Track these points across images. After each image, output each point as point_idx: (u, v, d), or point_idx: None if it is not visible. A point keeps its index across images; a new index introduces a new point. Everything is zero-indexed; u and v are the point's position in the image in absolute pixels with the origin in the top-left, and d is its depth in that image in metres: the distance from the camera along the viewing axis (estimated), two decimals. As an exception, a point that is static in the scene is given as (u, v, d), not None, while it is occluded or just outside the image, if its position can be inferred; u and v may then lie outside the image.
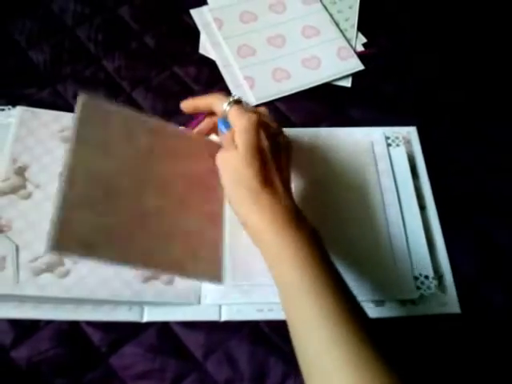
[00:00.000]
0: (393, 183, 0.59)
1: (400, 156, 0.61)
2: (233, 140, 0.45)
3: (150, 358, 0.50)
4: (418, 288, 0.53)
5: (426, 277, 0.54)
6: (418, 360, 0.52)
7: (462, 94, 0.70)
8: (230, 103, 0.47)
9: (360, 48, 0.73)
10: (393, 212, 0.57)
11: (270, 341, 0.52)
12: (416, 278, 0.53)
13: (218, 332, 0.52)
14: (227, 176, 0.45)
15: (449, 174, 0.62)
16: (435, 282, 0.53)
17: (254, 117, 0.45)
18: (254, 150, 0.43)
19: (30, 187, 0.53)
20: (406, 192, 0.59)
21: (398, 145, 0.62)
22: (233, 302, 0.52)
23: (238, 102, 0.47)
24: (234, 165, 0.44)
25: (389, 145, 0.62)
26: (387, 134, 0.62)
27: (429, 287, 0.53)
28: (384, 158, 0.60)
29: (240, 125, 0.45)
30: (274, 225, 0.42)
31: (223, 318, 0.52)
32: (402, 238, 0.55)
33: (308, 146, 0.60)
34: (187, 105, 0.50)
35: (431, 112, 0.67)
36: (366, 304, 0.53)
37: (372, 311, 0.52)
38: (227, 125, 0.47)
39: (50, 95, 0.64)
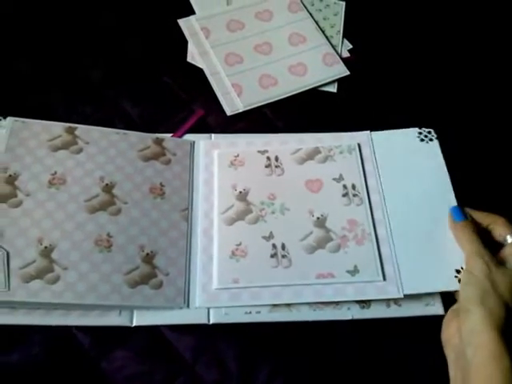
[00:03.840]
0: (379, 183, 0.59)
1: (433, 150, 0.61)
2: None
3: (139, 361, 0.51)
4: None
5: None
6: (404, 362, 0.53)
7: (449, 98, 0.71)
8: None
9: (346, 54, 0.74)
10: (379, 212, 0.57)
11: (257, 343, 0.53)
12: (458, 272, 0.52)
13: (207, 335, 0.53)
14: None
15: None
16: None
17: None
18: None
19: (20, 195, 0.54)
20: (438, 187, 0.58)
21: (431, 139, 0.62)
22: (221, 305, 0.53)
23: None
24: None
25: (421, 140, 0.62)
26: (419, 130, 0.62)
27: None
28: (370, 159, 0.61)
29: None
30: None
31: (212, 321, 0.53)
32: (388, 237, 0.56)
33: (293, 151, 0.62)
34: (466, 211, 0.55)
35: (417, 117, 0.68)
36: (353, 306, 0.54)
37: (357, 313, 0.54)
38: (461, 214, 0.53)
39: (38, 104, 0.65)
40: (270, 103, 0.68)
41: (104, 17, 0.74)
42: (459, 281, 0.51)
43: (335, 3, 0.79)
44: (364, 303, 0.54)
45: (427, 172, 0.60)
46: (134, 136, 0.61)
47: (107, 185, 0.57)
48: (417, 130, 0.63)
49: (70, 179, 0.56)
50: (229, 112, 0.67)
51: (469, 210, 0.55)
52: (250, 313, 0.53)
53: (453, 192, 0.57)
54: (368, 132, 0.63)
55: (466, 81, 0.73)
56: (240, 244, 0.55)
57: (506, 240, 0.51)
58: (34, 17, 0.73)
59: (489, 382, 0.42)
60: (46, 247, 0.52)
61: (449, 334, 0.49)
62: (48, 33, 0.72)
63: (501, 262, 0.49)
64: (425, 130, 0.63)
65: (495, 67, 0.75)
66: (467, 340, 0.45)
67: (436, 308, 0.54)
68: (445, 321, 0.50)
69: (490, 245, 0.51)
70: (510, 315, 0.45)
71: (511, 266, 0.49)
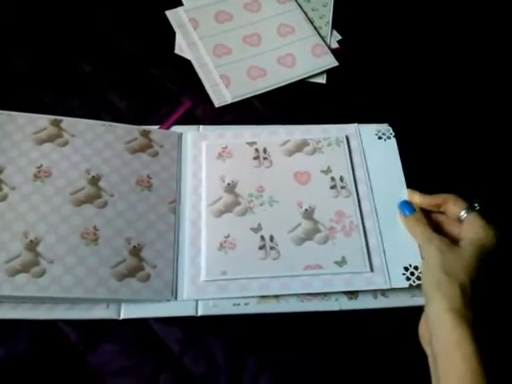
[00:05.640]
0: (366, 176, 0.59)
1: (391, 148, 0.61)
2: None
3: (127, 354, 0.51)
4: (408, 279, 0.52)
5: (416, 267, 0.53)
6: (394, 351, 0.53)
7: (436, 91, 0.71)
8: (467, 210, 0.50)
9: (334, 45, 0.74)
10: (366, 204, 0.58)
11: (246, 335, 0.53)
12: (406, 269, 0.53)
13: (195, 327, 0.53)
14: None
15: (422, 170, 0.62)
16: None
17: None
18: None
19: (5, 189, 0.54)
20: (394, 181, 0.59)
21: (388, 137, 0.62)
22: (209, 296, 0.53)
23: (475, 209, 0.50)
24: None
25: (380, 138, 0.62)
26: (378, 129, 0.63)
27: (418, 277, 0.52)
28: (358, 151, 0.61)
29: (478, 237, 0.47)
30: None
31: (200, 313, 0.52)
32: (375, 229, 0.56)
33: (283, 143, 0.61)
34: (413, 197, 0.55)
35: (405, 109, 0.68)
36: (340, 297, 0.54)
37: (345, 304, 0.54)
38: (409, 208, 0.54)
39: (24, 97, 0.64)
40: (259, 95, 0.68)
41: (92, 9, 0.74)
42: (407, 278, 0.52)
43: (324, -6, 0.79)
44: (351, 295, 0.54)
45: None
46: (121, 128, 0.60)
47: (93, 177, 0.56)
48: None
49: (56, 172, 0.56)
50: (217, 104, 0.66)
51: (419, 195, 0.55)
52: (239, 305, 0.53)
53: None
54: (356, 124, 0.63)
55: (457, 73, 0.73)
56: (228, 236, 0.55)
57: (460, 217, 0.51)
58: (23, 11, 0.72)
59: (453, 373, 0.41)
60: (31, 241, 0.51)
61: (421, 329, 0.48)
62: (36, 27, 0.71)
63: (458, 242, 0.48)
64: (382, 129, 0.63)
65: (492, 63, 0.75)
66: (432, 331, 0.44)
67: (422, 299, 0.53)
68: (421, 319, 0.50)
69: (448, 227, 0.52)
70: (471, 297, 0.43)
71: (465, 243, 0.47)
